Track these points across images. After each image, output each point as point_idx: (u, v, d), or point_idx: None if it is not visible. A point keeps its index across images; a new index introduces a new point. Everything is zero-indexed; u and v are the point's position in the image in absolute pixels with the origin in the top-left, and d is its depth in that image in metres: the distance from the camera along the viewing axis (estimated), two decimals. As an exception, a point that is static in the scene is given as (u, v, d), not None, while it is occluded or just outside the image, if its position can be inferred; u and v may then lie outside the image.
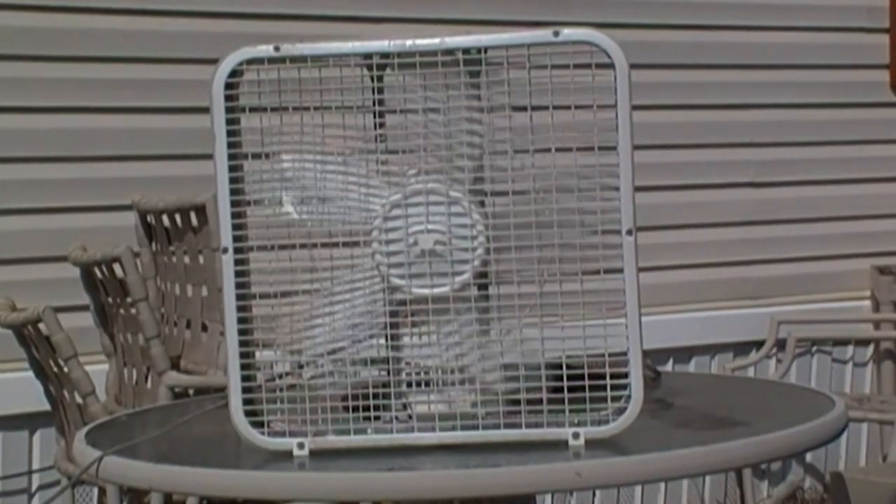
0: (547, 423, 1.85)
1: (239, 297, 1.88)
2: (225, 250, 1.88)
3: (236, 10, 4.37)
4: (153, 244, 3.67)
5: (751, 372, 5.06)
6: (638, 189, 1.84)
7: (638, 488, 4.95)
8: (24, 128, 4.13)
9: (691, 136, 5.18)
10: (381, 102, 1.90)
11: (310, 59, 1.87)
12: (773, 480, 5.20)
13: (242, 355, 1.88)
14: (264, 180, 1.88)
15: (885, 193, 5.50)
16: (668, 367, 4.96)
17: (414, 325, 1.89)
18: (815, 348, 5.31)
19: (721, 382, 3.10)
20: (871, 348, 5.40)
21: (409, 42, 1.86)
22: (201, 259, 3.41)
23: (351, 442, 1.88)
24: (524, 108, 1.85)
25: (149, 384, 3.49)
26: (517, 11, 4.75)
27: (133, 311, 3.47)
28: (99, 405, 3.41)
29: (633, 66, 1.83)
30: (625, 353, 1.84)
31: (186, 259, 3.49)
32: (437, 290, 1.86)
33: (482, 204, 1.87)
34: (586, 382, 1.84)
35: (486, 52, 1.86)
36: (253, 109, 1.88)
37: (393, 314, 1.89)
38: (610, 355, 1.84)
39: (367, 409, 1.88)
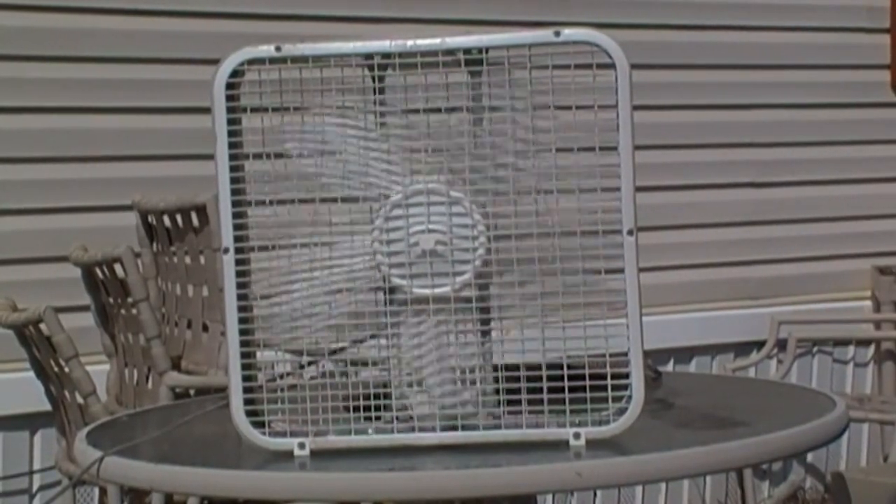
0: (548, 424, 1.85)
1: (240, 297, 1.88)
2: (226, 250, 1.88)
3: (237, 10, 4.38)
4: (154, 244, 3.67)
5: (751, 372, 5.06)
6: (639, 189, 1.84)
7: (639, 488, 4.95)
8: (23, 128, 4.13)
9: (692, 137, 5.18)
10: (381, 102, 1.90)
11: (311, 60, 1.87)
12: (774, 481, 5.20)
13: (243, 355, 1.88)
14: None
15: (885, 193, 5.50)
16: (669, 367, 4.96)
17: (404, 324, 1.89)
18: (815, 348, 5.31)
19: (722, 383, 3.10)
20: (871, 348, 5.40)
21: (410, 42, 1.86)
22: (202, 259, 3.41)
23: (352, 442, 1.88)
24: (525, 109, 1.85)
25: (150, 384, 3.49)
26: (518, 11, 4.75)
27: (134, 311, 3.47)
28: (100, 405, 3.41)
29: (633, 67, 1.83)
30: (626, 354, 1.84)
31: (187, 259, 3.49)
32: (437, 290, 1.86)
33: (483, 204, 1.87)
34: (587, 383, 1.84)
35: (487, 52, 1.86)
36: (254, 109, 1.88)
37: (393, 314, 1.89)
38: (611, 355, 1.84)
39: (367, 409, 1.88)
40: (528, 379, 1.85)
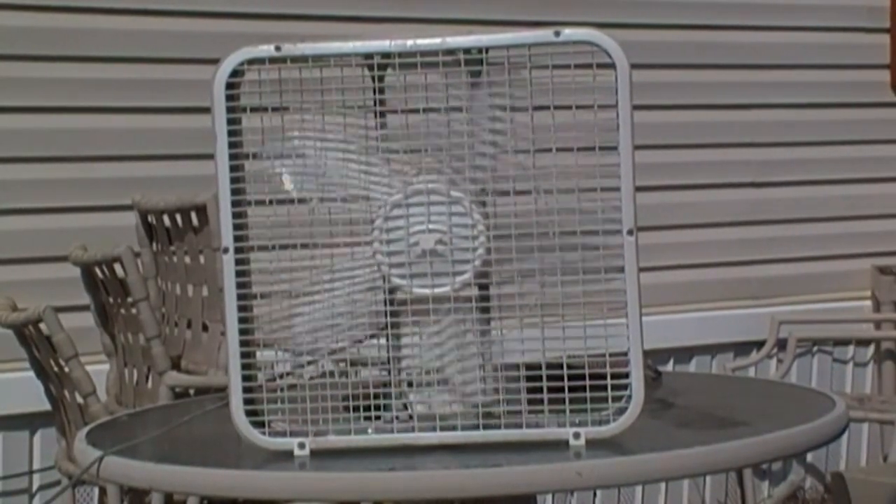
0: (548, 423, 1.85)
1: (240, 297, 1.88)
2: (226, 250, 1.88)
3: (237, 9, 4.38)
4: (154, 244, 3.67)
5: (751, 372, 5.06)
6: (639, 189, 1.84)
7: (639, 488, 4.95)
8: (24, 128, 4.13)
9: (692, 136, 5.18)
10: (382, 102, 1.90)
11: (311, 59, 1.87)
12: (774, 480, 5.20)
13: (243, 355, 1.88)
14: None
15: (885, 193, 5.50)
16: (669, 367, 4.96)
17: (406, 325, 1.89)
18: (815, 348, 5.31)
19: (722, 382, 3.10)
20: (871, 348, 5.40)
21: (410, 42, 1.86)
22: (202, 259, 3.41)
23: (352, 442, 1.88)
24: (525, 108, 1.85)
25: (149, 384, 3.49)
26: (518, 11, 4.75)
27: (134, 310, 3.47)
28: (100, 405, 3.41)
29: (633, 66, 1.83)
30: (625, 353, 1.84)
31: (187, 259, 3.49)
32: (437, 290, 1.86)
33: (483, 204, 1.87)
34: (587, 382, 1.84)
35: (487, 52, 1.86)
36: (254, 109, 1.88)
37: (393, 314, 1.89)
38: (611, 355, 1.84)
39: (367, 408, 1.88)
40: (528, 378, 1.85)
